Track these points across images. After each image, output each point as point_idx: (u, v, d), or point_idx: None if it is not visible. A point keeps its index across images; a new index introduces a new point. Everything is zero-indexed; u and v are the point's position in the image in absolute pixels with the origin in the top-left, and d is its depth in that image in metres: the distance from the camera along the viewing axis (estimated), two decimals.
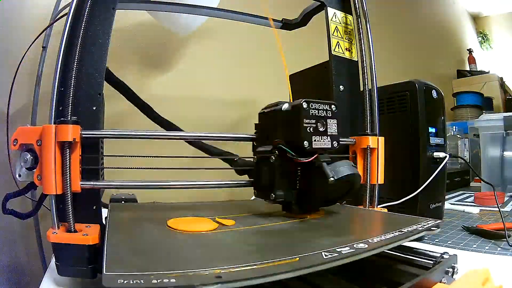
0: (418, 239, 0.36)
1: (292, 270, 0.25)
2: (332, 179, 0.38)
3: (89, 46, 0.42)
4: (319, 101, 0.41)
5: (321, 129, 0.41)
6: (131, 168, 0.43)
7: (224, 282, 0.22)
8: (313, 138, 0.40)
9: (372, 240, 0.32)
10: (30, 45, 0.64)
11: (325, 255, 0.28)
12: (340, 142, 0.55)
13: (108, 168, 0.46)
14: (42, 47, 0.77)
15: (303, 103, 0.39)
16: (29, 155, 0.38)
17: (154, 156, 0.44)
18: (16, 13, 0.80)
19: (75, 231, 0.37)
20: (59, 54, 0.39)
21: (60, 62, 0.39)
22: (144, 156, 0.43)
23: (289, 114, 0.41)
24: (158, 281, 0.22)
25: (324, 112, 0.41)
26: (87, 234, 0.37)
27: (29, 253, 0.78)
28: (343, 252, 0.28)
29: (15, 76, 0.62)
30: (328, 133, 0.41)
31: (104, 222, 0.42)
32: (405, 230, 0.35)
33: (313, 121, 0.40)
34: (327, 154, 0.42)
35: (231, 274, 0.23)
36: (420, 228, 0.36)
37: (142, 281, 0.22)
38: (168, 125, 0.67)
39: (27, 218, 0.48)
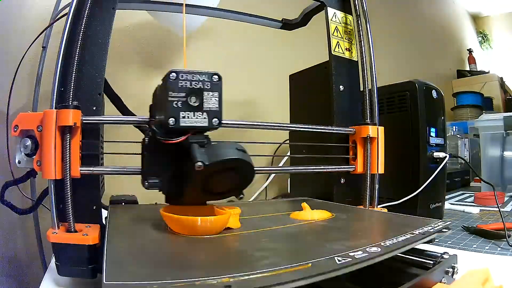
0: (428, 241, 0.35)
1: (306, 277, 0.23)
2: (199, 163, 0.31)
3: (89, 46, 0.42)
4: (194, 71, 0.34)
5: (194, 104, 0.34)
6: (131, 154, 0.43)
7: None
8: (181, 114, 0.33)
9: (385, 244, 0.31)
10: (30, 45, 0.64)
11: (339, 260, 0.26)
12: (340, 132, 0.56)
13: (108, 153, 0.46)
14: (42, 47, 0.77)
15: (171, 73, 0.33)
16: (29, 141, 0.38)
17: None
18: (16, 13, 0.79)
19: (75, 231, 0.37)
20: (59, 54, 0.39)
21: (60, 62, 0.39)
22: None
23: (160, 88, 0.36)
24: None
25: (200, 83, 0.34)
26: (87, 234, 0.37)
27: (29, 253, 0.78)
28: (356, 257, 0.27)
29: (15, 76, 0.62)
30: (205, 109, 0.34)
31: (104, 222, 0.42)
32: (417, 233, 0.35)
33: (182, 94, 0.33)
34: (203, 135, 0.35)
35: (241, 283, 0.22)
36: (431, 230, 0.35)
37: None
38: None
39: (23, 214, 0.48)
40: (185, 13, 0.67)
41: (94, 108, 0.42)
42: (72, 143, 0.37)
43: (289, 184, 0.83)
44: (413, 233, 0.34)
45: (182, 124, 0.33)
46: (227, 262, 0.29)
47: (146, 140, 0.36)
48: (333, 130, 0.56)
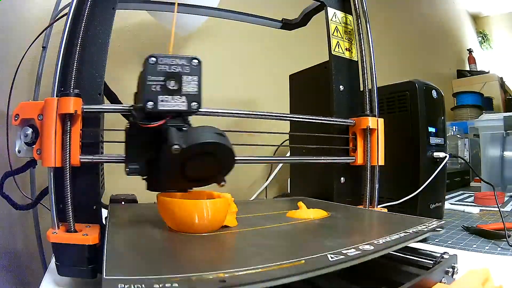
0: (422, 240, 0.36)
1: (299, 273, 0.24)
2: (176, 147, 0.31)
3: (89, 46, 0.42)
4: (174, 55, 0.34)
5: (172, 88, 0.34)
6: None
7: (229, 286, 0.21)
8: (160, 98, 0.33)
9: (378, 242, 0.31)
10: (30, 45, 0.63)
11: (331, 257, 0.27)
12: (340, 123, 0.56)
13: (108, 142, 0.46)
14: (42, 47, 0.77)
15: (151, 57, 0.34)
16: (30, 130, 0.38)
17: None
18: (16, 13, 0.80)
19: (75, 231, 0.37)
20: (59, 54, 0.39)
21: (60, 62, 0.39)
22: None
23: (141, 73, 0.35)
24: (160, 285, 0.21)
25: (180, 67, 0.34)
26: (87, 234, 0.37)
27: (29, 253, 0.78)
28: (349, 254, 0.28)
29: (15, 76, 0.62)
30: (184, 92, 0.34)
31: (104, 222, 0.42)
32: (410, 231, 0.35)
33: (161, 78, 0.33)
34: (183, 119, 0.35)
35: (235, 278, 0.22)
36: (425, 229, 0.36)
37: (143, 285, 0.21)
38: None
39: (21, 210, 0.48)
40: (186, 14, 0.67)
41: None
42: (72, 131, 0.38)
43: (289, 184, 0.83)
44: (407, 232, 0.34)
45: (160, 107, 0.33)
46: (223, 258, 0.30)
47: (127, 126, 0.36)
48: (333, 121, 0.56)
